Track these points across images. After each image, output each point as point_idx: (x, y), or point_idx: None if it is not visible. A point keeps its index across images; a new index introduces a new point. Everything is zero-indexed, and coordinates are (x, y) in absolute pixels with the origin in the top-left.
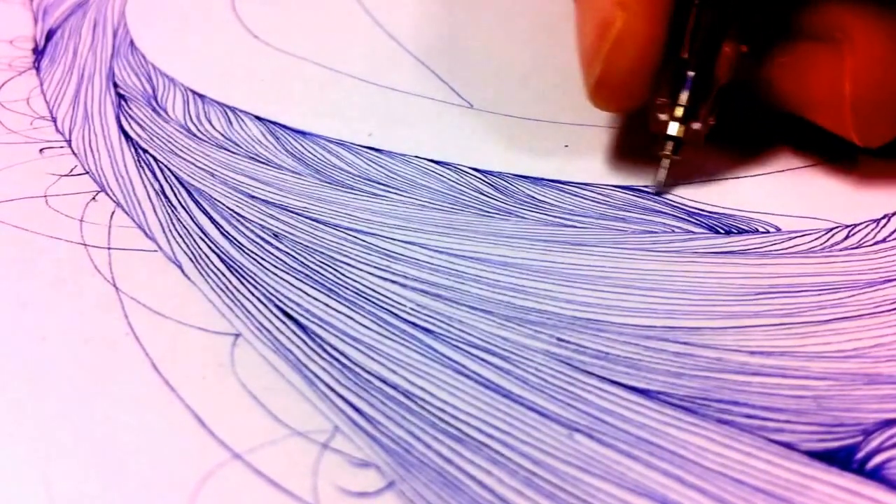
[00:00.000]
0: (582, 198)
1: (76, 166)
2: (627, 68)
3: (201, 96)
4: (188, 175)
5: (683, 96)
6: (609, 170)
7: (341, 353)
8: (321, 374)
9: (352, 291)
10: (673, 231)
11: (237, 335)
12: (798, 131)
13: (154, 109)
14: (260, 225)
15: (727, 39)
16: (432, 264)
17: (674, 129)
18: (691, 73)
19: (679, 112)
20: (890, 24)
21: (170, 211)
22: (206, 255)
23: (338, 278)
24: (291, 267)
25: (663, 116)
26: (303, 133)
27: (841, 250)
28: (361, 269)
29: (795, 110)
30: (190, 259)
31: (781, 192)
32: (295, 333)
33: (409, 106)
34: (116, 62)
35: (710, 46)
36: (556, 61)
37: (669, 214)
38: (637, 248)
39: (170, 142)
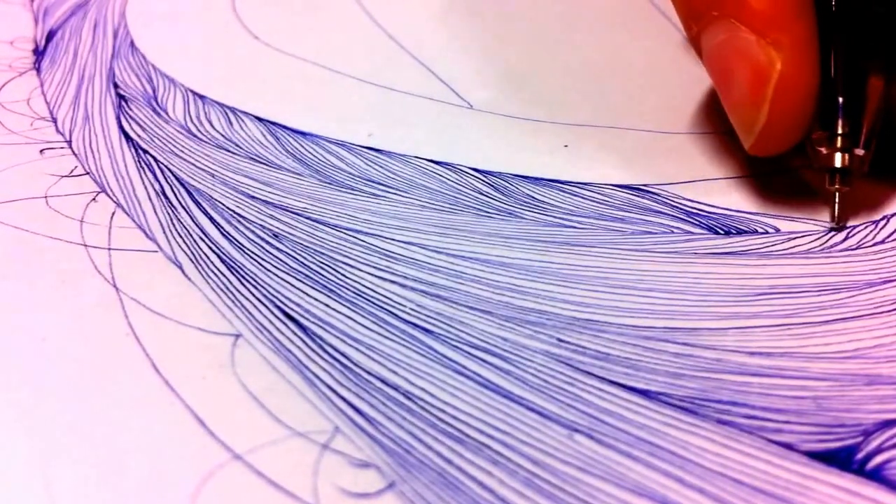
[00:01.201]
0: (581, 198)
1: (76, 167)
2: (794, 110)
3: (202, 97)
4: (188, 176)
5: (839, 124)
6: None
7: (341, 354)
8: (321, 375)
9: (352, 292)
10: (672, 231)
11: (237, 335)
12: None
13: (154, 110)
14: (260, 225)
15: (872, 58)
16: (432, 265)
17: (838, 160)
18: (841, 99)
19: (839, 142)
20: None
21: (170, 211)
22: (206, 255)
23: (338, 279)
24: (291, 267)
25: (824, 150)
26: (303, 133)
27: (841, 251)
28: (361, 270)
29: None
30: (190, 259)
31: (781, 193)
32: (295, 334)
33: (409, 106)
34: (117, 63)
35: (856, 68)
36: (556, 62)
37: (669, 215)
38: (636, 249)
39: (170, 142)
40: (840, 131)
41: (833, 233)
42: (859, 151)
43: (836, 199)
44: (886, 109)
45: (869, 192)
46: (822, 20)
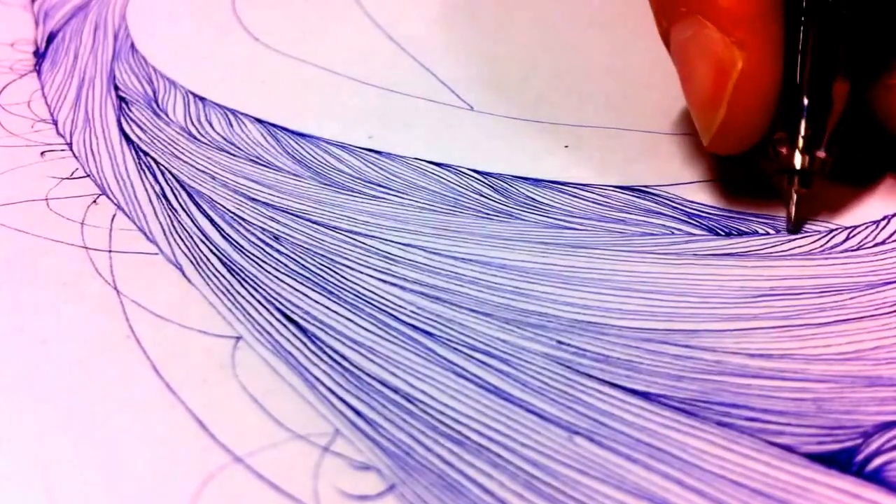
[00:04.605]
0: (581, 199)
1: (77, 169)
2: (752, 110)
3: (202, 99)
4: (189, 178)
5: (802, 126)
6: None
7: (342, 356)
8: (322, 377)
9: (352, 294)
10: (673, 233)
11: (238, 338)
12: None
13: (155, 112)
14: (260, 227)
15: (839, 62)
16: (432, 267)
17: (798, 161)
18: (806, 101)
19: (801, 143)
20: None
21: (171, 214)
22: (206, 257)
23: (338, 281)
24: (292, 270)
25: (785, 151)
26: (303, 135)
27: (841, 252)
28: (361, 272)
29: None
30: (191, 262)
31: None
32: (295, 336)
33: (409, 108)
34: (117, 65)
35: (822, 71)
36: (556, 63)
37: (669, 216)
38: (637, 251)
39: (171, 144)
40: (802, 133)
41: (834, 233)
42: (820, 154)
43: (794, 201)
44: (851, 114)
45: (830, 196)
46: (791, 22)
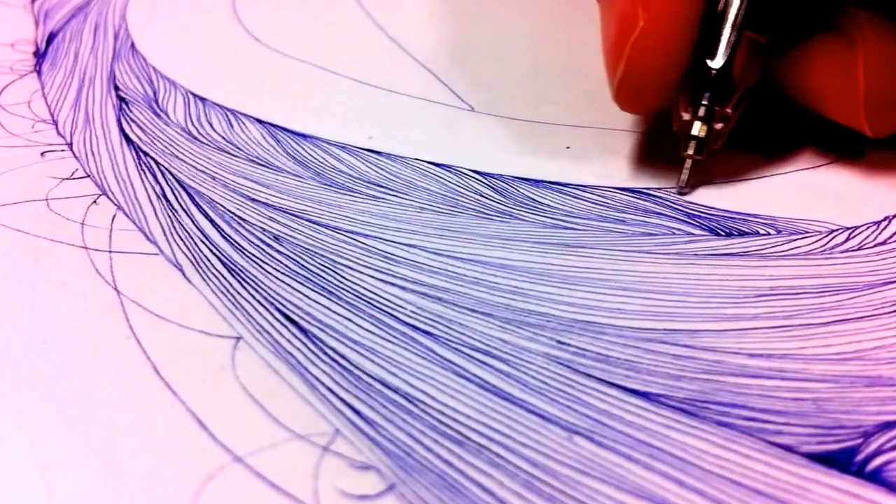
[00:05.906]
0: (582, 199)
1: (77, 169)
2: (648, 70)
3: (202, 99)
4: (189, 178)
5: (706, 95)
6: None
7: (342, 356)
8: (322, 378)
9: (352, 294)
10: (673, 233)
11: (238, 338)
12: (813, 131)
13: (155, 112)
14: (260, 228)
15: (746, 36)
16: (432, 267)
17: (696, 128)
18: (714, 72)
19: (702, 111)
20: None
21: (171, 214)
22: (207, 258)
23: (338, 281)
24: (292, 270)
25: (686, 116)
26: (303, 136)
27: (841, 252)
28: (361, 272)
29: (809, 104)
30: (191, 262)
31: (782, 194)
32: (295, 336)
33: (410, 108)
34: (117, 65)
35: (740, 43)
36: (557, 63)
37: (669, 216)
38: (637, 251)
39: (171, 145)
40: (705, 102)
41: (834, 233)
42: (718, 125)
43: (687, 167)
44: (758, 88)
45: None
46: None
